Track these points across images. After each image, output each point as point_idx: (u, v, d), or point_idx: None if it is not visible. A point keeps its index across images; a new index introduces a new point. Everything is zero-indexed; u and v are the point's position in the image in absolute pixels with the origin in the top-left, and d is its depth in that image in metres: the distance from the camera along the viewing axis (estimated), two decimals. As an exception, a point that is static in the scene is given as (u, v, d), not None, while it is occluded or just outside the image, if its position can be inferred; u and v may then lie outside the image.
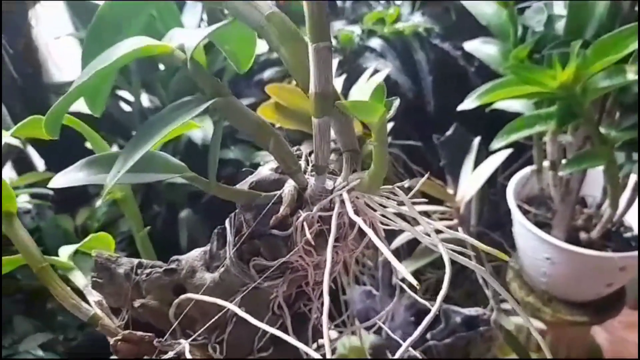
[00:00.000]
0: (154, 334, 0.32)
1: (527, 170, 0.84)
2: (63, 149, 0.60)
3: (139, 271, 0.34)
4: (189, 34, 0.31)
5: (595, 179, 0.78)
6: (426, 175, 0.54)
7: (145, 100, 0.95)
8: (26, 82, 0.90)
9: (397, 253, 0.64)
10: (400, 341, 0.57)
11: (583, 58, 0.57)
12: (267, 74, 0.89)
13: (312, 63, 0.27)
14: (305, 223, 0.29)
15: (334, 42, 0.89)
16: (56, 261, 0.40)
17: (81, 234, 0.89)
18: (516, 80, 0.61)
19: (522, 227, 0.79)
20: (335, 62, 0.85)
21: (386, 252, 0.26)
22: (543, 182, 0.79)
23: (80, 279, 0.40)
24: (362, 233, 0.36)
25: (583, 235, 0.75)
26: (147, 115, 0.92)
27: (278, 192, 0.33)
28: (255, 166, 1.06)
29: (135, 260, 0.34)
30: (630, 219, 0.77)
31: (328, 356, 0.25)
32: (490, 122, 0.73)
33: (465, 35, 0.87)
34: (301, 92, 0.65)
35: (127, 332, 0.31)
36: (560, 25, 0.64)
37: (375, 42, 0.81)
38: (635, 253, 0.71)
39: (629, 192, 0.71)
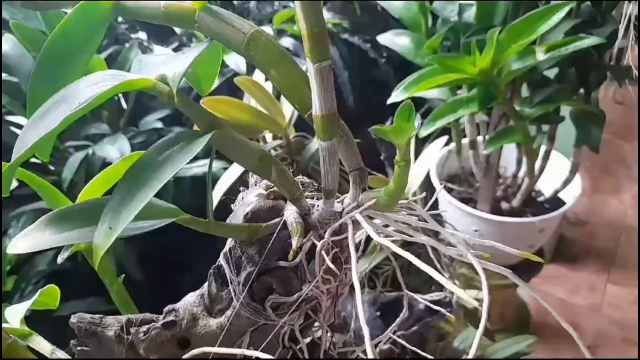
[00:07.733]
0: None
1: (444, 151, 0.88)
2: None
3: (131, 330, 0.30)
4: (162, 62, 0.28)
5: (504, 151, 0.84)
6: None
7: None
8: None
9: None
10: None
11: (498, 43, 0.60)
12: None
13: (315, 83, 0.25)
14: (323, 251, 0.28)
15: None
16: (11, 330, 0.34)
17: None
18: (439, 69, 0.63)
19: (449, 205, 0.83)
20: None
21: (431, 272, 0.25)
22: (462, 161, 0.84)
23: (43, 344, 0.35)
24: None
25: (504, 205, 0.81)
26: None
27: (276, 220, 0.31)
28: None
29: (123, 318, 0.30)
30: (540, 184, 0.85)
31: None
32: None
33: (370, 28, 0.89)
34: (239, 104, 0.63)
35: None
36: (468, 14, 0.68)
37: (287, 42, 0.80)
38: (551, 215, 0.78)
39: (539, 161, 0.77)
